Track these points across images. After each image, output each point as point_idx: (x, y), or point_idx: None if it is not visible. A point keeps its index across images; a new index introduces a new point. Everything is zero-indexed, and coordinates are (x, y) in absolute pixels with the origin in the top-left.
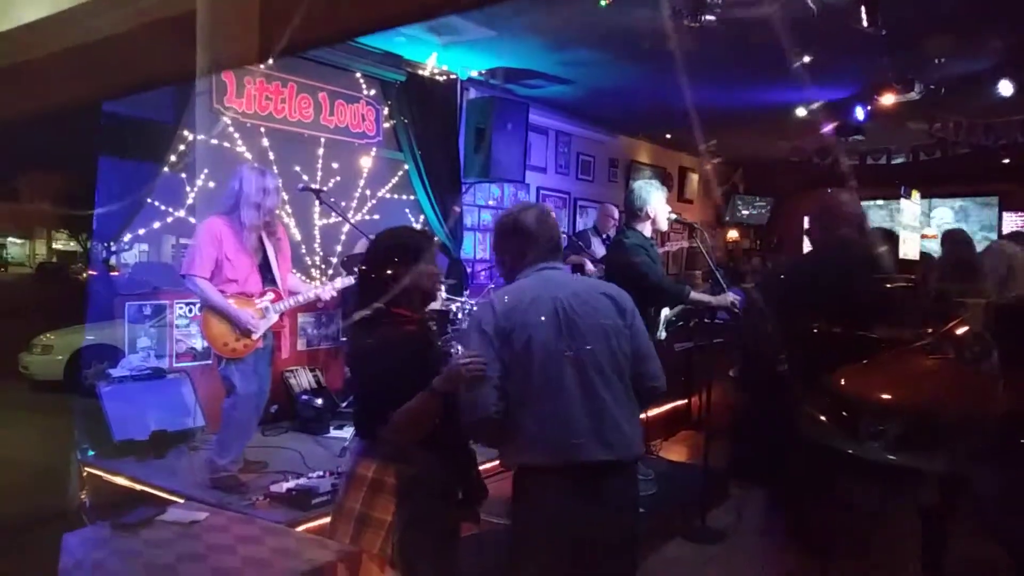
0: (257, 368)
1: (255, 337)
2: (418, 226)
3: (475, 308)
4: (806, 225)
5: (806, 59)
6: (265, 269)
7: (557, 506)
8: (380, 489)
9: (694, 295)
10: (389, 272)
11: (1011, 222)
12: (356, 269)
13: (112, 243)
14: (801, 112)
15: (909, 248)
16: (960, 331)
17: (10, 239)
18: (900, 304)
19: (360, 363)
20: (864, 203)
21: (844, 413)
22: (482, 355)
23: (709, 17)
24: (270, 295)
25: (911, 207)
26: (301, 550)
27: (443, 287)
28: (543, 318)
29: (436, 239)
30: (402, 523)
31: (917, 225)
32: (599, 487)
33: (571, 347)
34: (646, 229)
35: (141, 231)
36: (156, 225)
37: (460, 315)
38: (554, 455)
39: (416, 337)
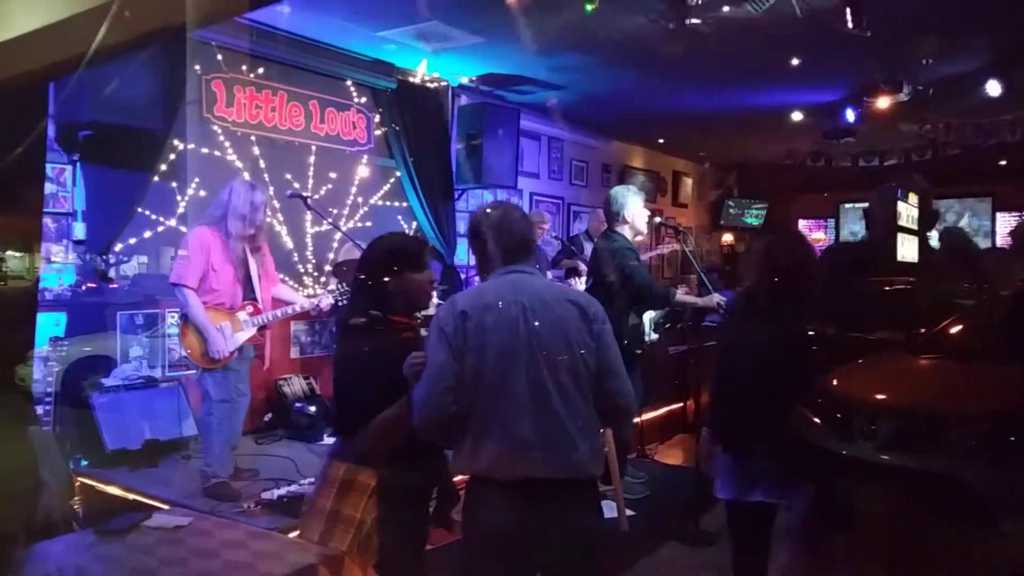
0: (233, 376)
1: (219, 359)
2: (410, 233)
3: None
4: None
5: (795, 62)
6: (247, 282)
7: (502, 520)
8: (350, 487)
9: (680, 296)
10: (380, 278)
11: (1005, 222)
12: (337, 273)
13: (105, 255)
14: (795, 116)
15: (907, 250)
16: (955, 329)
17: (9, 252)
18: (899, 305)
19: (344, 365)
20: (858, 205)
21: (837, 414)
22: (437, 356)
23: (694, 21)
24: (249, 308)
25: (907, 209)
26: (283, 553)
27: (435, 293)
28: (503, 323)
29: (430, 245)
30: (373, 522)
31: (914, 227)
32: (549, 506)
33: (529, 356)
34: (626, 232)
35: (132, 240)
36: (147, 235)
37: None
38: (500, 467)
39: (401, 343)
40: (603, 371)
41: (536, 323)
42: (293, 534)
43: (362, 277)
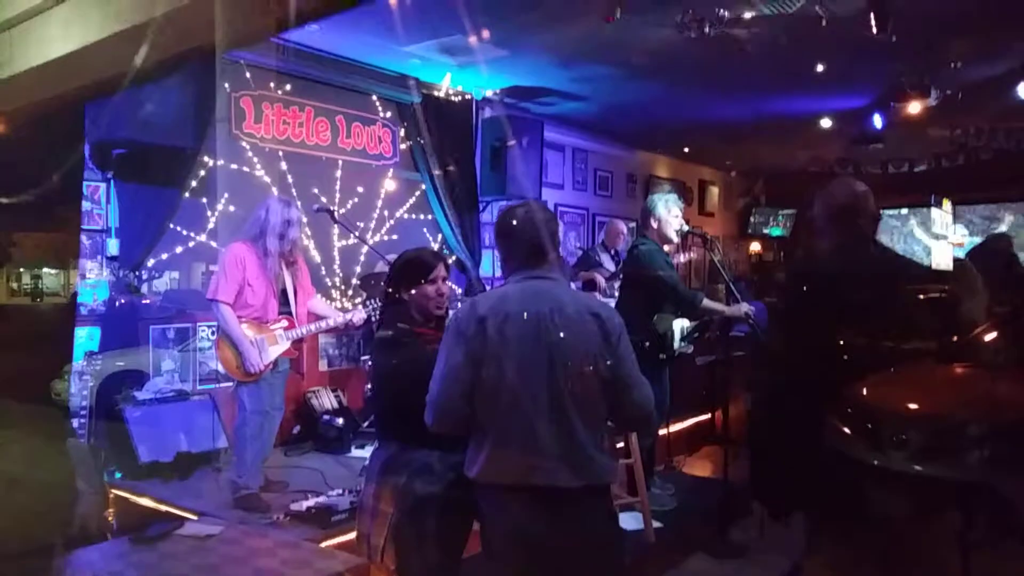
0: (268, 389)
1: (254, 372)
2: (435, 245)
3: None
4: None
5: (820, 68)
6: (282, 297)
7: (517, 527)
8: (386, 484)
9: (707, 303)
10: (395, 291)
11: None
12: (364, 287)
13: (137, 270)
14: (822, 122)
15: (941, 258)
16: (988, 336)
17: (45, 269)
18: (935, 314)
19: (379, 377)
20: (888, 211)
21: (868, 424)
22: (454, 358)
23: (710, 30)
24: (284, 323)
25: (942, 216)
26: (311, 561)
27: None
28: (524, 333)
29: (446, 257)
30: (401, 513)
31: (949, 234)
32: (564, 512)
33: (549, 366)
34: (655, 238)
35: (164, 256)
36: (179, 250)
37: None
38: (517, 475)
39: (428, 354)
40: (620, 383)
41: (557, 334)
42: (324, 544)
43: (387, 291)
